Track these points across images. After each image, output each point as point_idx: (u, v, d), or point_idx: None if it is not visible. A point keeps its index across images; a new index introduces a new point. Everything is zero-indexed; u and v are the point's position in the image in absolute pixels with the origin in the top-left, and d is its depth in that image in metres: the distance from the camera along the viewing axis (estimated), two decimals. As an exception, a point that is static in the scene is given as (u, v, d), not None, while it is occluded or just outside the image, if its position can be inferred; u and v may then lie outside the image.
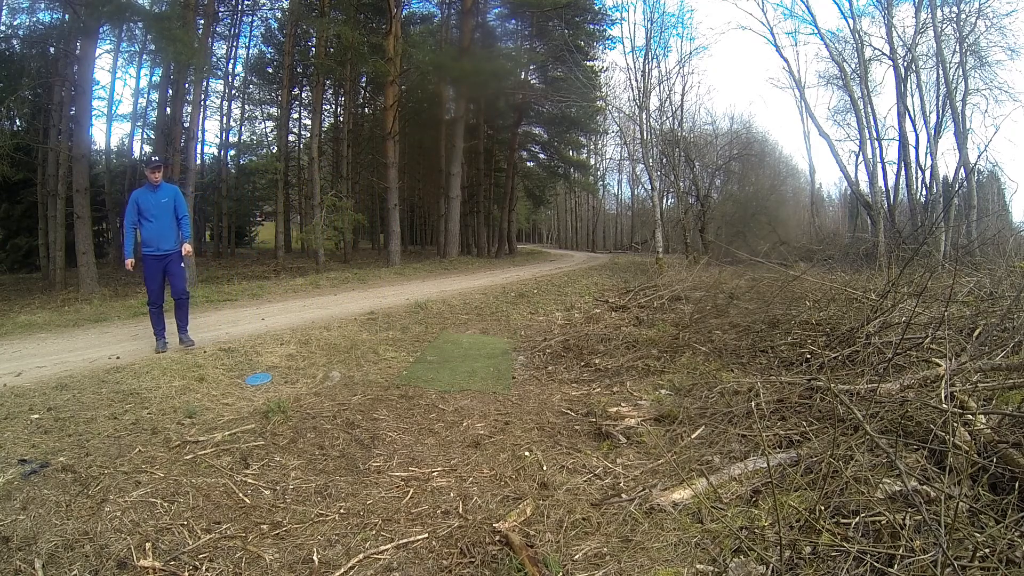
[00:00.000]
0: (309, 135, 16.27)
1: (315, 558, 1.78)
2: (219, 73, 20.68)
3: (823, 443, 2.22)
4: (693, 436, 2.68)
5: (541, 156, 28.90)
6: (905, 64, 13.49)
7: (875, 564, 1.50)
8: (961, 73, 13.51)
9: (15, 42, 14.21)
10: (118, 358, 4.34)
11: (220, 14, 18.28)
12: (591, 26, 21.06)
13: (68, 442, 2.65)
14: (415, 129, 22.06)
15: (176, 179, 11.08)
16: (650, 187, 16.46)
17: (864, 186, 14.96)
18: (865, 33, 13.93)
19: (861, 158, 15.71)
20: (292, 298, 8.47)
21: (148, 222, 4.51)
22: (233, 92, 21.98)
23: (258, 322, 6.05)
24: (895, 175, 15.06)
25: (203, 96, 18.36)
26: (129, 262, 4.65)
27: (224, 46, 20.41)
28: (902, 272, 4.29)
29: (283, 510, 2.10)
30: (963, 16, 12.89)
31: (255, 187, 24.76)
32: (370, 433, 2.90)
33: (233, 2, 19.43)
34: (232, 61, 21.38)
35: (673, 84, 18.32)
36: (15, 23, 13.53)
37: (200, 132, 19.60)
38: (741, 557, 1.68)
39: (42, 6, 12.94)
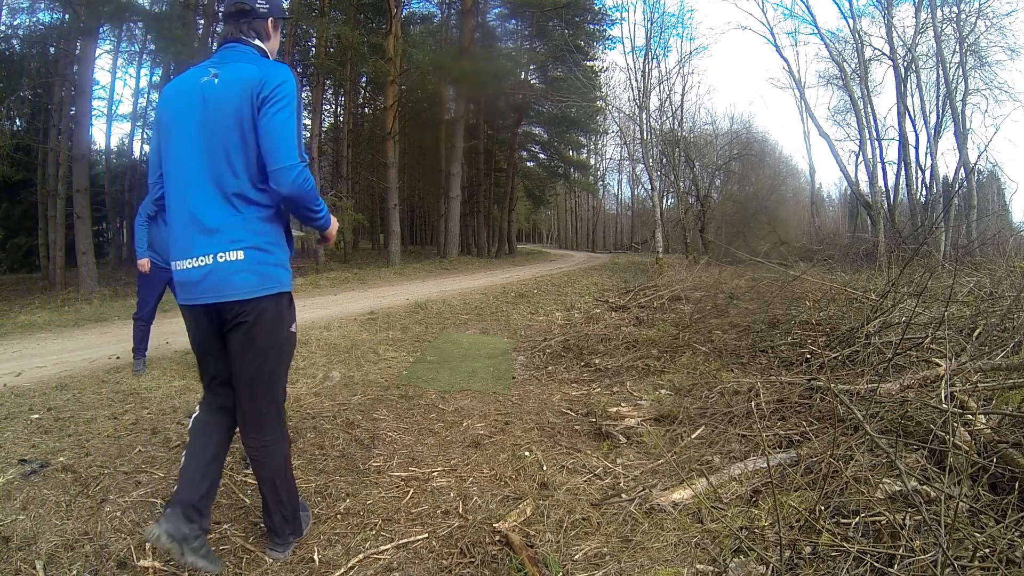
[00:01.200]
0: (309, 135, 16.28)
1: (315, 558, 1.78)
2: (219, 73, 20.63)
3: (823, 443, 2.22)
4: (693, 436, 2.68)
5: (541, 156, 28.91)
6: (905, 64, 13.50)
7: (875, 564, 1.50)
8: (961, 73, 13.52)
9: (15, 42, 14.21)
10: (118, 358, 4.34)
11: (220, 14, 18.24)
12: (591, 26, 21.07)
13: (68, 442, 2.65)
14: (415, 129, 22.07)
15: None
16: (650, 187, 16.46)
17: (864, 186, 14.98)
18: (865, 33, 13.96)
19: (861, 158, 15.75)
20: (292, 298, 8.45)
21: (165, 224, 3.38)
22: (233, 92, 21.94)
23: (258, 322, 6.04)
24: (895, 175, 15.08)
25: (203, 96, 18.31)
26: (145, 262, 3.84)
27: (224, 46, 20.39)
28: (902, 272, 4.28)
29: (283, 510, 2.09)
30: (963, 16, 12.90)
31: (255, 187, 24.67)
32: (370, 433, 2.90)
33: (233, 2, 19.39)
34: (232, 61, 21.35)
35: (673, 84, 18.37)
36: (15, 23, 13.53)
37: (200, 132, 19.54)
38: (741, 557, 1.68)
39: (42, 6, 12.95)
